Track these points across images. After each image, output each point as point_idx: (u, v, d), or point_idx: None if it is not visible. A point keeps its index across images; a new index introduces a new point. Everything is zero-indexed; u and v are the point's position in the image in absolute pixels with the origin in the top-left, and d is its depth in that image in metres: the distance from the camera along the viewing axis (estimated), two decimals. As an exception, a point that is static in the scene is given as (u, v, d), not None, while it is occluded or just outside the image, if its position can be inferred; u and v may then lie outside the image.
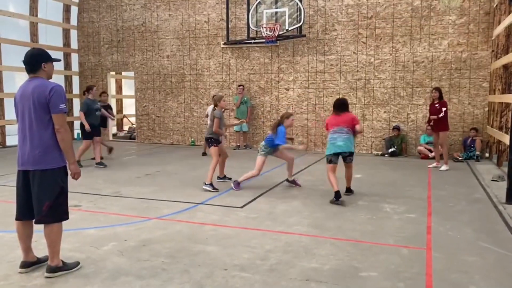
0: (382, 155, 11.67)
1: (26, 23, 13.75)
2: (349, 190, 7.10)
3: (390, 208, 6.22)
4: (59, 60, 4.25)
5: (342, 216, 5.82)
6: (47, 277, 3.78)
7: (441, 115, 9.31)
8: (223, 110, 7.67)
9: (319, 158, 11.25)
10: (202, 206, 6.33)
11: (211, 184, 7.24)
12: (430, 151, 11.14)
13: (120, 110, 17.96)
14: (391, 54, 11.81)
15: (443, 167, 9.45)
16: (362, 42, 12.04)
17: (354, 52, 12.14)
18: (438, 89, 9.57)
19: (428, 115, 10.04)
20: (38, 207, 3.75)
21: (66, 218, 3.96)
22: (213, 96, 8.10)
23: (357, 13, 12.01)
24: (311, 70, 12.57)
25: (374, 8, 11.85)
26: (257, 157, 7.44)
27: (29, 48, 4.00)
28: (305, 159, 11.01)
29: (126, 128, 17.95)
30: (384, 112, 12.02)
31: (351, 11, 12.06)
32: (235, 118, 12.72)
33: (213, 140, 7.45)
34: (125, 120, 18.25)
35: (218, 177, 8.03)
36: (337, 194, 6.45)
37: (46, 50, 4.01)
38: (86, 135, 9.67)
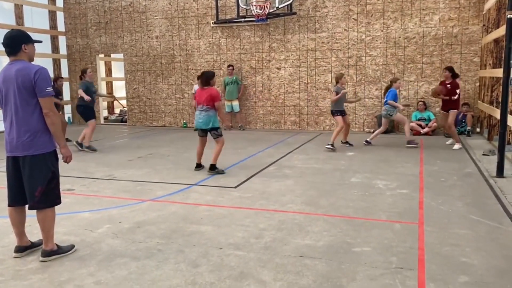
0: (374, 132, 11.69)
1: (10, 6, 13.43)
2: (212, 167, 7.15)
3: (382, 185, 6.28)
4: (40, 42, 4.13)
5: (335, 193, 5.86)
6: (42, 261, 3.78)
7: (455, 97, 9.02)
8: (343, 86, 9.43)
9: (311, 137, 11.28)
10: (196, 187, 6.34)
11: (332, 144, 8.96)
12: (421, 127, 11.20)
13: (110, 93, 17.77)
14: (382, 31, 11.73)
15: (456, 146, 9.09)
16: (353, 18, 11.94)
17: (345, 29, 12.04)
18: (449, 69, 9.18)
19: (436, 93, 9.56)
20: (31, 193, 3.71)
21: (59, 202, 3.92)
22: (335, 76, 9.65)
23: (347, -11, 11.86)
24: (303, 49, 12.47)
25: (364, -17, 11.70)
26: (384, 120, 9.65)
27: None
28: (298, 138, 11.03)
29: (117, 111, 17.80)
30: (376, 89, 12.00)
31: (342, -13, 11.90)
32: (225, 100, 12.66)
33: (338, 112, 9.33)
34: (115, 103, 18.07)
35: (341, 141, 9.66)
36: (198, 166, 7.38)
37: (28, 32, 3.89)
38: (89, 115, 9.51)
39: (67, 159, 3.87)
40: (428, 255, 3.80)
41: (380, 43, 11.80)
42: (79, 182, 6.66)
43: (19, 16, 13.58)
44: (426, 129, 11.19)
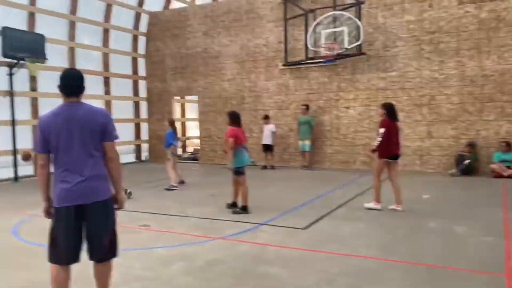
0: (453, 174, 11.03)
1: (99, 54, 14.80)
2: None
3: (462, 231, 5.88)
4: None
5: (411, 239, 5.58)
6: None
7: None
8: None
9: (383, 178, 10.92)
10: (264, 226, 6.35)
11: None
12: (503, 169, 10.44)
13: (184, 133, 18.64)
14: (457, 69, 11.32)
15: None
16: (425, 57, 11.68)
17: (417, 68, 11.79)
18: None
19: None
20: (99, 243, 3.34)
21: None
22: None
23: (419, 29, 11.70)
24: (372, 88, 12.35)
25: (437, 22, 11.49)
26: None
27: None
28: (369, 179, 10.72)
29: (190, 149, 18.56)
30: (452, 128, 11.47)
31: (413, 27, 11.77)
32: (299, 139, 12.76)
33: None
34: (188, 142, 18.88)
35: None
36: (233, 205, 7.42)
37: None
38: None
39: (123, 206, 3.60)
40: (520, 312, 3.46)
41: (455, 81, 11.37)
42: (154, 219, 6.95)
43: (106, 63, 14.89)
44: (510, 171, 10.40)
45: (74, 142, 3.25)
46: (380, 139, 7.03)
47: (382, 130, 7.05)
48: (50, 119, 3.29)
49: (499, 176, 10.40)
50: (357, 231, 5.98)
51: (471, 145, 11.01)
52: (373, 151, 7.29)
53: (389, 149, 7.11)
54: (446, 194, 8.60)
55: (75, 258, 3.34)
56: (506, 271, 4.38)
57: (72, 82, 3.34)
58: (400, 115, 11.92)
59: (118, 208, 3.54)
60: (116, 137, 3.44)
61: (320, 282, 4.17)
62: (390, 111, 7.22)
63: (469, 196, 8.28)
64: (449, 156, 11.48)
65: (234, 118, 7.55)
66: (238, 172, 7.35)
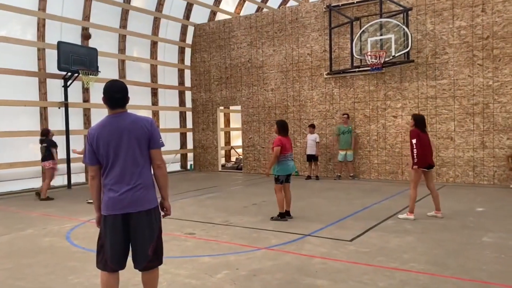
0: None
1: (147, 66, 15.32)
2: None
3: (522, 247, 5.52)
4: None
5: (464, 253, 5.30)
6: None
7: None
8: None
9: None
10: (309, 237, 6.26)
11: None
12: None
13: (228, 142, 18.85)
14: (513, 75, 10.76)
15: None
16: (478, 64, 11.19)
17: (469, 75, 11.31)
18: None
19: None
20: (143, 251, 3.38)
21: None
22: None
23: (470, 35, 11.25)
24: (421, 96, 11.96)
25: (490, 28, 11.00)
26: None
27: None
28: (419, 190, 10.34)
29: (233, 159, 18.73)
30: (508, 138, 10.88)
31: (464, 33, 11.33)
32: (339, 149, 12.59)
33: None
34: (232, 151, 19.08)
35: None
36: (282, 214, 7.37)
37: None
38: None
39: (169, 213, 3.65)
40: None
41: (511, 88, 10.80)
42: (199, 227, 7.03)
43: (153, 75, 15.38)
44: None
45: (121, 151, 3.32)
46: (416, 150, 7.11)
47: (414, 141, 7.13)
48: (97, 130, 3.38)
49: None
50: (406, 244, 5.76)
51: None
52: (414, 164, 7.23)
53: (424, 159, 7.19)
54: (503, 207, 8.13)
55: (121, 265, 3.41)
56: None
57: (115, 94, 3.38)
58: (451, 124, 11.53)
59: (165, 215, 3.59)
60: (162, 145, 3.49)
61: (368, 296, 4.03)
62: (420, 122, 7.31)
63: (528, 210, 7.79)
64: (505, 168, 10.88)
65: (282, 127, 7.58)
66: (277, 180, 7.43)
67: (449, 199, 8.85)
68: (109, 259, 3.35)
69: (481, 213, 7.61)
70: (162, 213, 3.57)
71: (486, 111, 11.12)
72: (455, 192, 10.10)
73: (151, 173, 3.48)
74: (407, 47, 11.52)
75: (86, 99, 13.05)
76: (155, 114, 15.37)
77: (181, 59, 16.42)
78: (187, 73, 16.61)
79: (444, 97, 11.65)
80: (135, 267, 3.45)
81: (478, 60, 11.19)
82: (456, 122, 11.43)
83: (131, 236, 3.36)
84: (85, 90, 12.90)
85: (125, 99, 3.43)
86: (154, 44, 15.34)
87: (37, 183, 11.58)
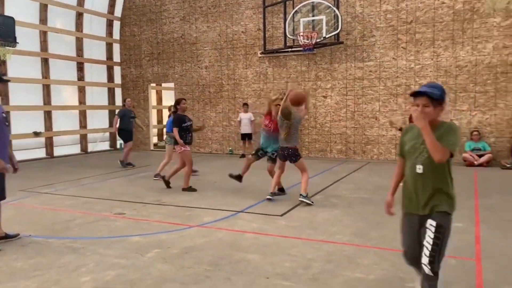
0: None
1: (72, 38, 14.39)
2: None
3: (435, 217, 6.02)
4: (8, 81, 5.31)
5: (385, 225, 5.68)
6: None
7: None
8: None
9: (359, 166, 11.08)
10: (242, 214, 6.36)
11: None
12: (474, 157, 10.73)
13: (160, 121, 18.40)
14: (432, 59, 11.51)
15: None
16: (401, 47, 11.82)
17: (393, 58, 11.92)
18: None
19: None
20: None
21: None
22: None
23: (396, 18, 11.81)
24: (349, 77, 12.44)
25: (413, 12, 11.62)
26: None
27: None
28: (344, 167, 10.86)
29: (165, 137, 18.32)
30: (426, 118, 11.67)
31: (390, 17, 11.87)
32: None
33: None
34: (165, 130, 18.63)
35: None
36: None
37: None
38: (126, 138, 11.45)
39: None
40: (488, 294, 3.57)
41: (430, 71, 11.56)
42: (130, 206, 6.86)
43: (79, 48, 14.49)
44: (480, 160, 10.69)
45: None
46: None
47: None
48: None
49: (470, 164, 10.68)
50: (333, 218, 6.05)
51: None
52: None
53: None
54: (420, 182, 8.77)
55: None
56: (476, 255, 4.50)
57: None
58: (376, 104, 12.15)
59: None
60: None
61: (296, 267, 4.20)
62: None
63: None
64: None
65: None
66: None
67: (373, 175, 9.37)
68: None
69: (401, 188, 8.16)
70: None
71: (408, 92, 11.81)
72: (379, 168, 10.72)
73: None
74: (337, 29, 11.87)
75: (3, 73, 12.03)
76: (81, 90, 14.57)
77: (109, 33, 15.62)
78: (116, 48, 15.85)
79: (370, 78, 12.21)
80: None
81: (402, 44, 11.81)
82: (380, 102, 12.06)
83: None
84: (1, 63, 11.87)
85: None
86: (79, 16, 14.42)
87: None
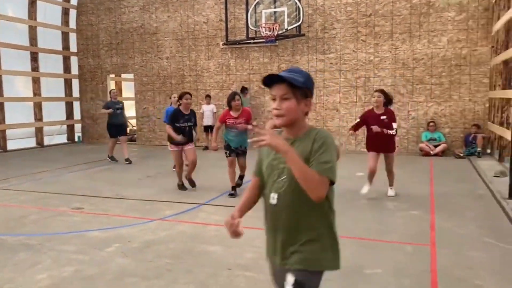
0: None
1: (25, 27, 13.74)
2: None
3: (392, 206, 6.22)
4: None
5: (345, 214, 5.79)
6: None
7: (392, 132, 6.57)
8: None
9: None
10: (205, 206, 6.32)
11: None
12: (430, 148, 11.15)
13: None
14: (390, 52, 11.80)
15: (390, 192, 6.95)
16: (361, 40, 12.04)
17: (353, 50, 12.13)
18: (383, 92, 6.73)
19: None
20: None
21: None
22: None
23: (356, 11, 12.01)
24: (311, 69, 12.55)
25: (373, 6, 11.85)
26: None
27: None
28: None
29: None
30: (385, 110, 11.99)
31: (350, 9, 12.05)
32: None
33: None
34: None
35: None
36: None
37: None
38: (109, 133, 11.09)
39: None
40: (441, 278, 3.73)
41: (389, 64, 11.86)
42: (88, 201, 6.67)
43: (33, 38, 13.85)
44: (436, 150, 11.11)
45: None
46: (394, 131, 6.59)
47: (395, 124, 6.62)
48: None
49: (427, 154, 11.08)
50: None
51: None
52: (387, 146, 6.78)
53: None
54: (378, 172, 9.01)
55: None
56: (431, 241, 4.69)
57: None
58: (337, 96, 12.35)
59: None
60: None
61: (258, 258, 4.22)
62: (388, 97, 6.73)
63: (398, 174, 8.73)
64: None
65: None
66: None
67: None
68: None
69: (360, 178, 8.35)
70: None
71: (367, 84, 12.08)
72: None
73: None
74: (299, 21, 11.93)
75: None
76: (36, 81, 13.96)
77: (65, 21, 15.01)
78: (73, 37, 15.26)
79: (331, 70, 12.38)
80: None
81: (361, 36, 12.03)
82: (341, 94, 12.26)
83: None
84: None
85: None
86: (32, 3, 13.76)
87: None
